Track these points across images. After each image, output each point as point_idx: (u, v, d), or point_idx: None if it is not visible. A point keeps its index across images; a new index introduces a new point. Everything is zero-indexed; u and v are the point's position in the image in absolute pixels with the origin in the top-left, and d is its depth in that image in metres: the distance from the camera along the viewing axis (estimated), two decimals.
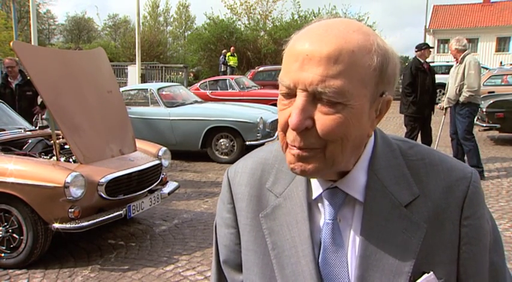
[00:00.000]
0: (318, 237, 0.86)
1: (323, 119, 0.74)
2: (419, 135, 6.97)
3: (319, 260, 0.85)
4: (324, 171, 0.79)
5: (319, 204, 0.87)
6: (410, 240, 0.81)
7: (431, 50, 7.01)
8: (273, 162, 0.93)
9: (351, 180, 0.84)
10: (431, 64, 6.72)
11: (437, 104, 7.21)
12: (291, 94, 0.77)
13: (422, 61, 6.81)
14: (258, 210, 0.91)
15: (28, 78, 6.79)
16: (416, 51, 6.90)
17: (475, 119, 6.39)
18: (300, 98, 0.74)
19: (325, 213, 0.86)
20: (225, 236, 0.97)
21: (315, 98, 0.74)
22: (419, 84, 6.72)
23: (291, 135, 0.77)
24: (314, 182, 0.87)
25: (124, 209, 4.11)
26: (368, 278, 0.81)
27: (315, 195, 0.87)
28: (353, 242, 0.84)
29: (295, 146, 0.77)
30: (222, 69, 21.03)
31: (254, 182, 0.93)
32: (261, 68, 17.82)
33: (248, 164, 0.96)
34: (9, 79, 6.93)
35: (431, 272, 0.81)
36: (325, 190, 0.85)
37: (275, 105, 10.33)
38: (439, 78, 7.61)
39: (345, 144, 0.77)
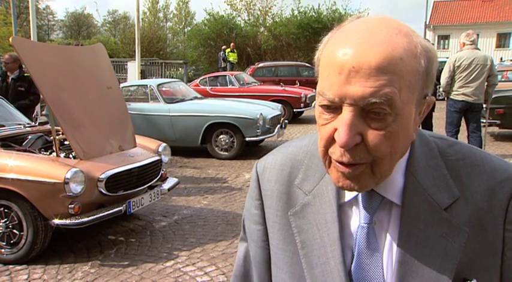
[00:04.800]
0: (351, 241, 0.83)
1: (373, 135, 0.70)
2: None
3: (353, 264, 0.82)
4: (372, 186, 0.77)
5: (354, 207, 0.84)
6: (451, 246, 0.77)
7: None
8: (303, 159, 0.90)
9: (388, 182, 0.79)
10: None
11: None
12: (332, 107, 0.72)
13: None
14: (287, 207, 0.89)
15: (24, 73, 6.81)
16: None
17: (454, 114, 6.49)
18: (348, 113, 0.70)
19: (360, 217, 0.82)
20: (252, 231, 0.95)
21: (362, 111, 0.70)
22: None
23: (338, 151, 0.73)
24: None
25: (124, 205, 4.12)
26: None
27: (348, 198, 0.84)
28: (389, 246, 0.81)
29: (343, 162, 0.73)
30: (222, 65, 20.98)
31: (283, 179, 0.91)
32: (261, 64, 17.81)
33: (278, 160, 0.93)
34: (8, 74, 6.99)
35: (474, 280, 0.77)
36: (360, 193, 0.81)
37: (275, 101, 10.47)
38: None
39: (393, 157, 0.74)
